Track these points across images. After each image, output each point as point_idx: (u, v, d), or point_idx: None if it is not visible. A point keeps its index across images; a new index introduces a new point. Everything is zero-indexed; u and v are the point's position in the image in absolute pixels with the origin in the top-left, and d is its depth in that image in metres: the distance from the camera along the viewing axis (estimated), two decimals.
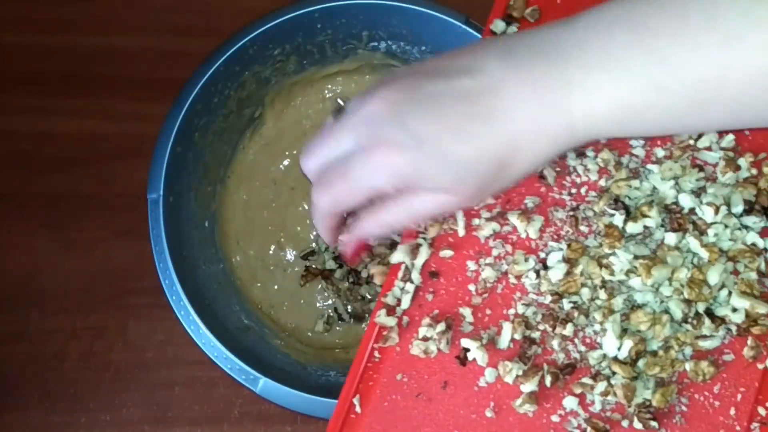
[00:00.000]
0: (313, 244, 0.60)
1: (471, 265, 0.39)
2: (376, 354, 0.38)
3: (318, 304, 0.59)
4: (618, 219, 0.37)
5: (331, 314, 0.59)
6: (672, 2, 0.32)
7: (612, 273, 0.37)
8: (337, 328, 0.59)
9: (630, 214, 0.37)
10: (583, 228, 0.38)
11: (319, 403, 0.49)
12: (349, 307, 0.59)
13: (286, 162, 0.61)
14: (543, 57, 0.33)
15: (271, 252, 0.60)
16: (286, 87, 0.60)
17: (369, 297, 0.59)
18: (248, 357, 0.50)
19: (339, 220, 0.39)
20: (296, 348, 0.56)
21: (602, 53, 0.32)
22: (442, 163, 0.34)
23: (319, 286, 0.59)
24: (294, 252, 0.60)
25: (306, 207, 0.61)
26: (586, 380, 0.36)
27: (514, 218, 0.38)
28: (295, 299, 0.59)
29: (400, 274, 0.39)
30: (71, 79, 0.64)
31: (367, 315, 0.58)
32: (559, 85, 0.33)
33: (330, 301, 0.59)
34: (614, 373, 0.36)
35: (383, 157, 0.34)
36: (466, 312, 0.38)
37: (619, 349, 0.36)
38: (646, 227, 0.37)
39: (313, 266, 0.59)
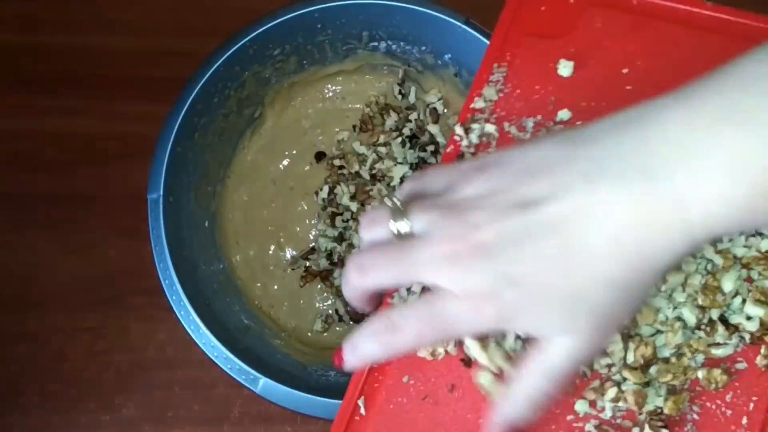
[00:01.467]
0: (313, 244, 0.60)
1: None
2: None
3: (318, 305, 0.59)
4: None
5: (331, 314, 0.59)
6: None
7: None
8: (337, 328, 0.59)
9: None
10: None
11: (319, 403, 0.49)
12: (348, 307, 0.59)
13: (285, 162, 0.61)
14: (640, 172, 0.29)
15: (271, 252, 0.60)
16: (286, 87, 0.60)
17: None
18: (248, 357, 0.50)
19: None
20: (296, 348, 0.56)
21: (705, 149, 0.28)
22: (546, 300, 0.30)
23: (319, 287, 0.59)
24: (294, 252, 0.60)
25: (306, 207, 0.61)
26: (596, 385, 0.36)
27: None
28: (295, 299, 0.59)
29: None
30: (71, 79, 0.64)
31: (366, 316, 0.58)
32: (658, 187, 0.29)
33: (330, 302, 0.59)
34: (625, 379, 0.35)
35: (474, 307, 0.30)
36: None
37: (625, 355, 0.36)
38: None
39: (312, 267, 0.59)
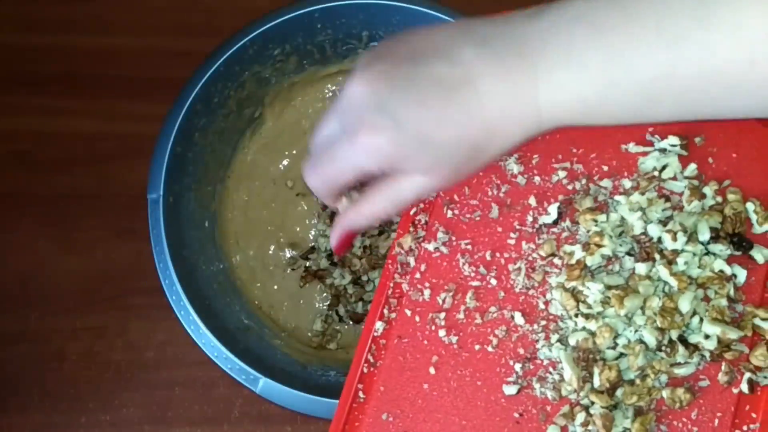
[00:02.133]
0: (313, 244, 0.60)
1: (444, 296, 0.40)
2: (361, 394, 0.39)
3: (317, 305, 0.59)
4: (578, 253, 0.38)
5: (330, 314, 0.59)
6: (629, 2, 0.34)
7: (589, 306, 0.37)
8: (336, 328, 0.59)
9: (587, 247, 0.38)
10: (557, 261, 0.39)
11: (319, 403, 0.49)
12: (348, 307, 0.59)
13: (285, 162, 0.61)
14: (514, 50, 0.35)
15: (270, 252, 0.60)
16: (286, 87, 0.60)
17: (368, 299, 0.59)
18: (248, 357, 0.50)
19: (338, 195, 0.41)
20: (296, 348, 0.56)
21: (564, 50, 0.35)
22: (422, 146, 0.35)
23: (319, 287, 0.59)
24: (294, 252, 0.60)
25: (306, 207, 0.61)
26: (566, 410, 0.37)
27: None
28: (295, 299, 0.59)
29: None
30: (71, 79, 0.64)
31: (366, 316, 0.58)
32: (527, 79, 0.35)
33: (330, 302, 0.59)
34: (593, 403, 0.36)
35: (366, 138, 0.35)
36: (452, 339, 0.39)
37: (591, 379, 0.36)
38: (612, 257, 0.38)
39: (312, 267, 0.59)
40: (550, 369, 0.38)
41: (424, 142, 0.35)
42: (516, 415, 0.37)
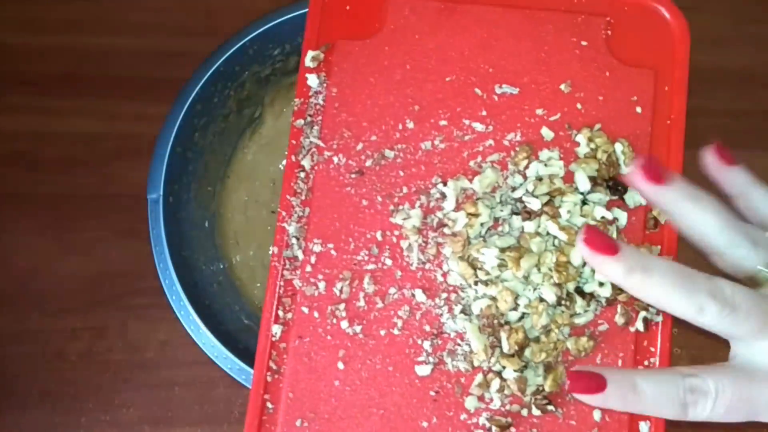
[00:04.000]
0: None
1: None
2: (269, 405, 0.38)
3: None
4: (461, 220, 0.38)
5: None
6: None
7: (487, 273, 0.37)
8: None
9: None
10: (447, 231, 0.39)
11: None
12: None
13: (285, 162, 0.61)
14: None
15: (270, 252, 0.60)
16: (286, 87, 0.60)
17: None
18: (248, 357, 0.50)
19: None
20: None
21: None
22: None
23: None
24: None
25: None
26: (480, 380, 0.37)
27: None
28: None
29: None
30: (71, 79, 0.64)
31: None
32: None
33: None
34: (504, 368, 0.37)
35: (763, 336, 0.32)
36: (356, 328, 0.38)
37: (500, 344, 0.37)
38: (499, 220, 0.38)
39: None
40: (458, 341, 0.38)
41: None
42: (432, 393, 0.37)
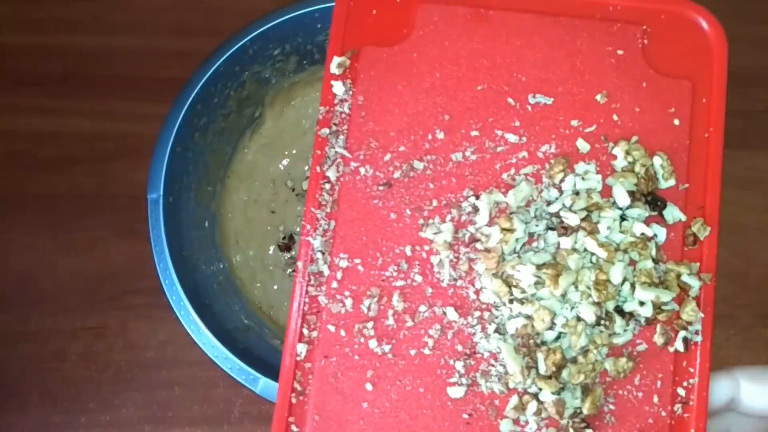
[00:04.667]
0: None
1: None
2: (294, 428, 0.36)
3: None
4: (494, 237, 0.37)
5: None
6: None
7: (522, 291, 0.36)
8: None
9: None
10: (480, 246, 0.38)
11: None
12: None
13: (285, 162, 0.61)
14: None
15: (270, 252, 0.60)
16: (286, 87, 0.60)
17: None
18: (248, 357, 0.50)
19: None
20: None
21: None
22: None
23: None
24: (294, 252, 0.60)
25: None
26: (516, 402, 0.36)
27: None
28: None
29: None
30: (71, 79, 0.64)
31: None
32: None
33: None
34: (541, 389, 0.36)
35: None
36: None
37: (536, 366, 0.36)
38: (534, 235, 0.37)
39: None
40: (492, 361, 0.36)
41: None
42: (465, 416, 0.36)
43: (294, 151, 0.61)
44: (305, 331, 0.37)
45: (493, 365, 0.36)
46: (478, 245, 0.37)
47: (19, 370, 0.58)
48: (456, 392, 0.36)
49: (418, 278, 0.37)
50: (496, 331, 0.37)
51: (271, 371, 0.49)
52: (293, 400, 0.36)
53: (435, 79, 0.40)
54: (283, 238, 0.60)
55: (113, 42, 0.64)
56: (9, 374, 0.58)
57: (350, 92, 0.40)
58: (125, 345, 0.59)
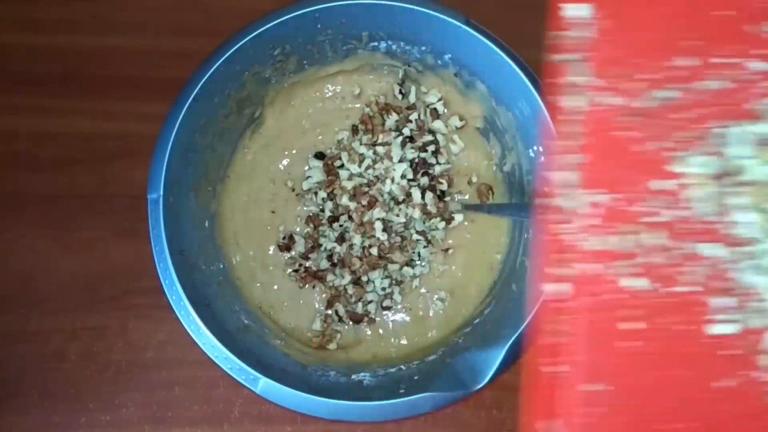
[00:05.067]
0: (312, 244, 0.60)
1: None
2: (556, 368, 0.35)
3: (317, 305, 0.59)
4: (759, 170, 0.34)
5: (330, 314, 0.59)
6: None
7: None
8: (336, 328, 0.59)
9: None
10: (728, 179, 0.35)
11: (319, 403, 0.49)
12: (348, 307, 0.59)
13: (285, 161, 0.61)
14: None
15: (270, 252, 0.60)
16: (286, 87, 0.60)
17: (368, 299, 0.59)
18: (248, 357, 0.50)
19: None
20: (296, 348, 0.56)
21: None
22: None
23: (319, 287, 0.59)
24: (294, 252, 0.60)
25: (306, 207, 0.61)
26: None
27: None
28: (295, 300, 0.59)
29: None
30: (71, 79, 0.64)
31: (366, 317, 0.58)
32: None
33: (327, 302, 0.59)
34: None
35: None
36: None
37: None
38: None
39: (312, 267, 0.59)
40: (750, 297, 0.34)
41: None
42: (722, 352, 0.34)
43: (294, 151, 0.61)
44: (556, 271, 0.35)
45: (751, 301, 0.35)
46: (738, 178, 0.35)
47: (19, 370, 0.58)
48: (714, 329, 0.34)
49: (671, 213, 0.35)
50: (756, 266, 0.35)
51: (271, 371, 0.49)
52: (549, 341, 0.35)
53: (689, 0, 0.37)
54: (283, 238, 0.60)
55: (113, 42, 0.64)
56: (9, 374, 0.58)
57: (594, 15, 0.37)
58: (125, 345, 0.59)
